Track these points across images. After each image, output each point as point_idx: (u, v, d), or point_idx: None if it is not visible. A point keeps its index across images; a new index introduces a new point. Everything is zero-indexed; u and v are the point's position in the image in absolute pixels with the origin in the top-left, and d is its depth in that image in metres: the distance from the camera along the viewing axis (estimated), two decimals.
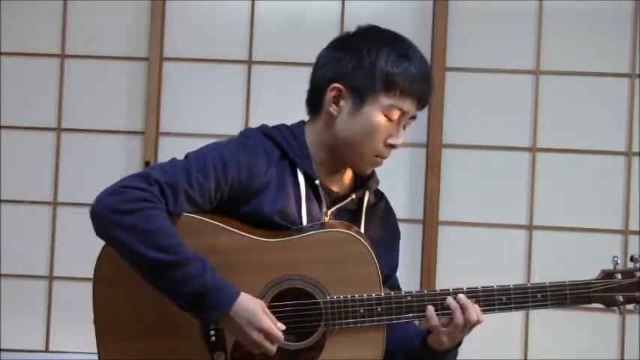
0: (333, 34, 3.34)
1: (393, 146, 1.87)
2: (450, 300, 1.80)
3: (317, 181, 1.88)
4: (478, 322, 1.80)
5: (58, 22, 3.51)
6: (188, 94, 3.48)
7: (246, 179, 1.81)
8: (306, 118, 1.99)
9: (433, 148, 3.36)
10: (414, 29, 3.29)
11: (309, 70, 3.56)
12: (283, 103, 3.38)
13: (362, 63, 1.84)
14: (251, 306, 1.71)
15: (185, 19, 3.49)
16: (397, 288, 1.98)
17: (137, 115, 3.48)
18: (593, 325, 3.32)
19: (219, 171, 1.78)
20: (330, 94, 1.86)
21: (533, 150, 3.39)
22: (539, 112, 3.40)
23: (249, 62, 3.48)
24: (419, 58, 1.86)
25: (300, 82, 3.38)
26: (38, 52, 3.51)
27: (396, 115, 1.84)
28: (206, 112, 3.46)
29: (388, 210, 2.05)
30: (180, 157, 1.83)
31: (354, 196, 1.94)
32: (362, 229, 1.93)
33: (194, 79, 3.48)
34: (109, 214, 1.69)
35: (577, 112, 3.39)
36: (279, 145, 1.88)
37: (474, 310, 1.79)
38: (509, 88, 3.41)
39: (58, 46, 3.51)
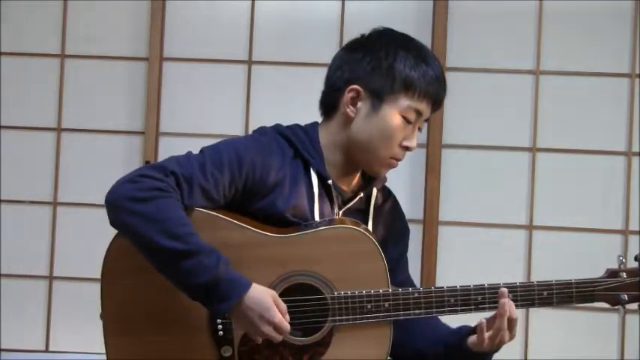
0: (333, 34, 3.41)
1: (408, 148, 1.89)
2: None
3: (330, 181, 1.89)
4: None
5: (58, 22, 3.51)
6: (188, 94, 3.48)
7: (261, 175, 1.82)
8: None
9: (433, 148, 3.36)
10: (414, 29, 3.28)
11: (309, 70, 3.59)
12: (283, 103, 3.40)
13: (380, 65, 1.86)
14: (262, 298, 1.72)
15: (185, 19, 3.49)
16: (405, 280, 2.00)
17: (137, 115, 3.48)
18: (593, 325, 3.32)
19: (234, 166, 1.80)
20: (347, 96, 1.87)
21: (533, 150, 3.39)
22: (539, 112, 3.40)
23: (249, 62, 3.48)
24: (435, 62, 1.89)
25: (300, 82, 3.44)
26: (38, 52, 3.51)
27: (412, 116, 1.86)
28: (206, 112, 3.46)
29: (396, 208, 2.06)
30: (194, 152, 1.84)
31: (362, 194, 1.95)
32: (370, 227, 1.94)
33: (194, 79, 3.48)
34: (124, 201, 1.69)
35: (577, 112, 3.39)
36: (293, 144, 1.89)
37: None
38: (509, 88, 3.41)
39: (58, 46, 3.51)
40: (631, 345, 3.32)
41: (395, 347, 1.87)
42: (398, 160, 1.90)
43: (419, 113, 1.87)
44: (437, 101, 1.90)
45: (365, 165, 1.94)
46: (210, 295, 1.69)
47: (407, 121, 1.86)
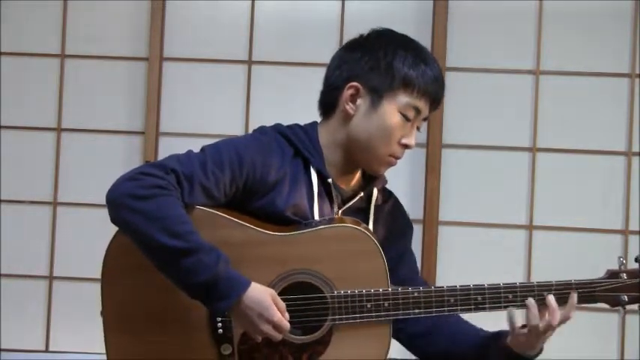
0: (333, 34, 3.41)
1: (406, 146, 1.90)
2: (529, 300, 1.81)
3: (330, 180, 1.90)
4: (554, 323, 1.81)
5: (58, 22, 3.51)
6: (188, 94, 3.48)
7: (261, 174, 1.83)
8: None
9: (433, 148, 3.36)
10: (414, 29, 3.29)
11: (309, 70, 3.59)
12: (283, 103, 3.40)
13: (379, 63, 1.87)
14: (262, 297, 1.72)
15: (185, 19, 3.49)
16: (407, 275, 2.00)
17: (137, 115, 3.48)
18: (593, 325, 3.31)
19: (234, 164, 1.80)
20: (347, 93, 1.88)
21: (533, 150, 3.39)
22: (539, 112, 3.40)
23: (249, 62, 3.48)
24: (434, 63, 1.90)
25: (300, 82, 3.44)
26: (38, 52, 3.51)
27: (411, 114, 1.87)
28: (206, 112, 3.46)
29: (397, 208, 2.07)
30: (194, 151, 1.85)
31: (362, 194, 1.96)
32: (370, 226, 1.94)
33: (194, 79, 3.48)
34: (125, 199, 1.70)
35: (577, 112, 3.39)
36: (293, 143, 1.90)
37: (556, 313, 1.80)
38: (509, 88, 3.41)
39: (58, 46, 3.51)
40: (631, 345, 3.32)
41: (419, 347, 1.92)
42: (397, 158, 1.91)
43: (418, 111, 1.88)
44: (435, 100, 1.91)
45: (364, 163, 1.94)
46: (210, 294, 1.69)
47: (406, 118, 1.87)
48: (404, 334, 1.99)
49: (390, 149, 1.89)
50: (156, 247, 1.68)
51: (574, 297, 1.81)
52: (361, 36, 1.96)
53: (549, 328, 1.80)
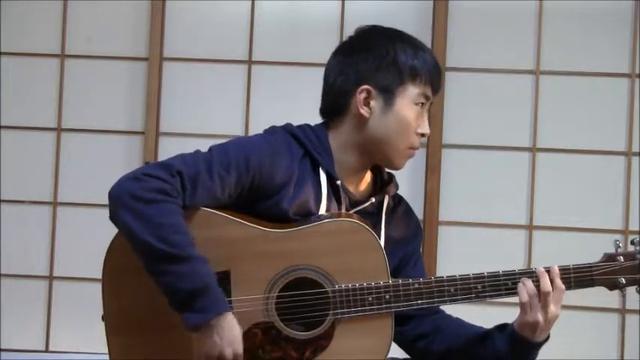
0: (333, 34, 3.41)
1: (423, 135, 1.92)
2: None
3: (338, 182, 1.90)
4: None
5: (58, 22, 3.51)
6: (188, 94, 3.48)
7: (268, 175, 1.83)
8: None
9: (433, 148, 3.36)
10: (414, 29, 3.25)
11: (309, 70, 3.59)
12: (283, 103, 3.39)
13: (384, 61, 1.88)
14: (236, 329, 1.72)
15: (185, 19, 3.49)
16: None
17: (137, 115, 3.48)
18: (593, 325, 3.32)
19: (241, 166, 1.80)
20: (360, 97, 1.89)
21: (533, 150, 3.40)
22: (539, 112, 3.40)
23: (249, 62, 3.48)
24: (427, 47, 1.94)
25: (300, 82, 3.43)
26: (38, 52, 3.51)
27: (423, 102, 1.90)
28: (206, 112, 3.46)
29: (408, 212, 2.08)
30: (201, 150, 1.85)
31: (373, 199, 1.96)
32: (382, 232, 1.95)
33: (194, 79, 3.48)
34: (126, 198, 1.70)
35: (577, 112, 3.39)
36: (303, 144, 1.90)
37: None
38: (509, 88, 3.41)
39: (58, 46, 3.51)
40: (631, 345, 3.32)
41: (421, 349, 1.95)
42: (415, 148, 1.93)
43: (427, 98, 1.91)
44: (438, 85, 1.94)
45: (384, 161, 1.95)
46: (189, 304, 1.68)
47: (420, 107, 1.89)
48: (406, 336, 1.99)
49: (409, 142, 1.90)
50: (148, 251, 1.69)
51: (554, 267, 1.84)
52: (352, 38, 1.97)
53: (547, 296, 1.82)
